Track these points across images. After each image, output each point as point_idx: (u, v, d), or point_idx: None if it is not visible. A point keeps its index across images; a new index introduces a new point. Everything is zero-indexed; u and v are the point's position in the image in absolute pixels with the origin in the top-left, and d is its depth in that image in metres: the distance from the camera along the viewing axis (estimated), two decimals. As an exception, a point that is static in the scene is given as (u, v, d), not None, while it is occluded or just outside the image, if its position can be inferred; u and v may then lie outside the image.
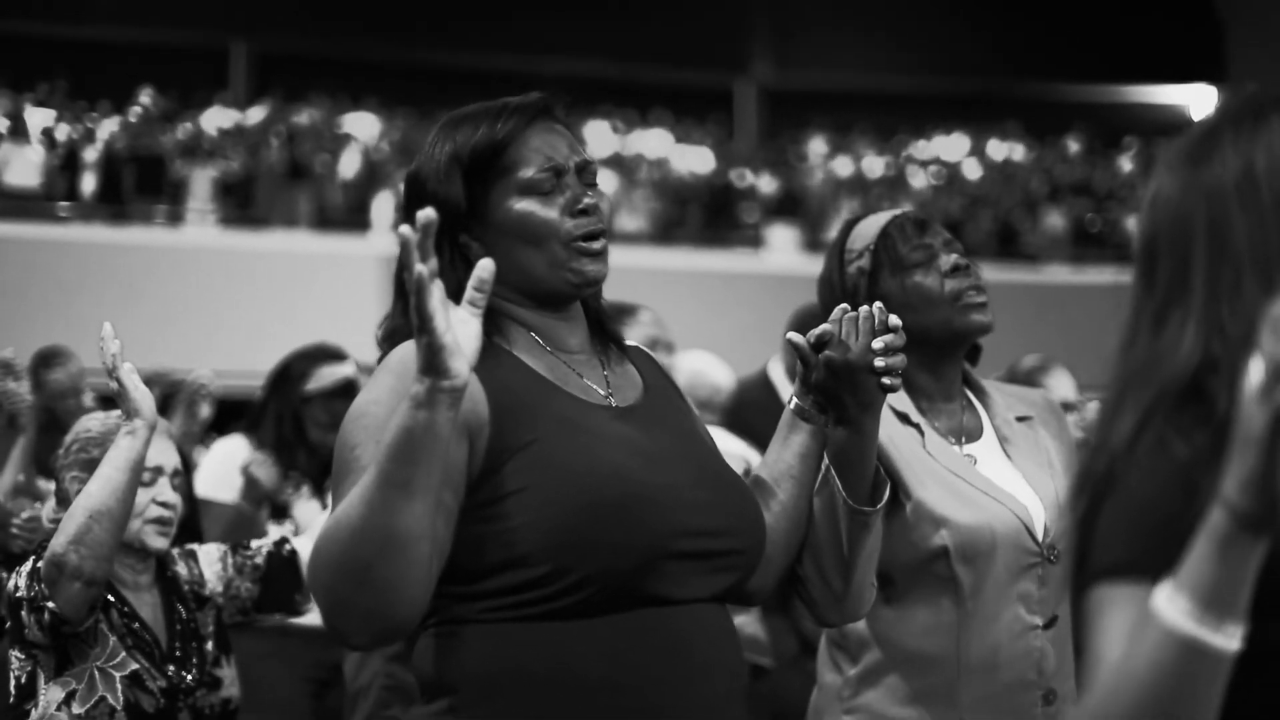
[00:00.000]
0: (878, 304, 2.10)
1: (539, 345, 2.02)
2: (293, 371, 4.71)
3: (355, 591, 1.69)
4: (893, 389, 2.07)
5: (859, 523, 2.10)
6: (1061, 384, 4.91)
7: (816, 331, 2.09)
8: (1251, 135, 1.39)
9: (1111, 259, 18.48)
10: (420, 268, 1.60)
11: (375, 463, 1.67)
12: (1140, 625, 1.20)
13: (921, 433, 2.56)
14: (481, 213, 2.00)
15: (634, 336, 4.03)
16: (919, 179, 19.92)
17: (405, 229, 1.61)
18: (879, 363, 2.05)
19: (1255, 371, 1.11)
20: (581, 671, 1.83)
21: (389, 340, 1.98)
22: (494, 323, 1.98)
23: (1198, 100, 23.37)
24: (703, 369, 5.66)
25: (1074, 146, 21.27)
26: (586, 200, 2.02)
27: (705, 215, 18.65)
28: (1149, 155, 20.89)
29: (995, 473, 2.57)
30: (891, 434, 2.50)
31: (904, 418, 2.56)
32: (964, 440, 2.61)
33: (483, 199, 2.00)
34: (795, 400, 2.15)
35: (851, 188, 18.87)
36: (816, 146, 20.43)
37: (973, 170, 20.48)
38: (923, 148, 21.05)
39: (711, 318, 14.63)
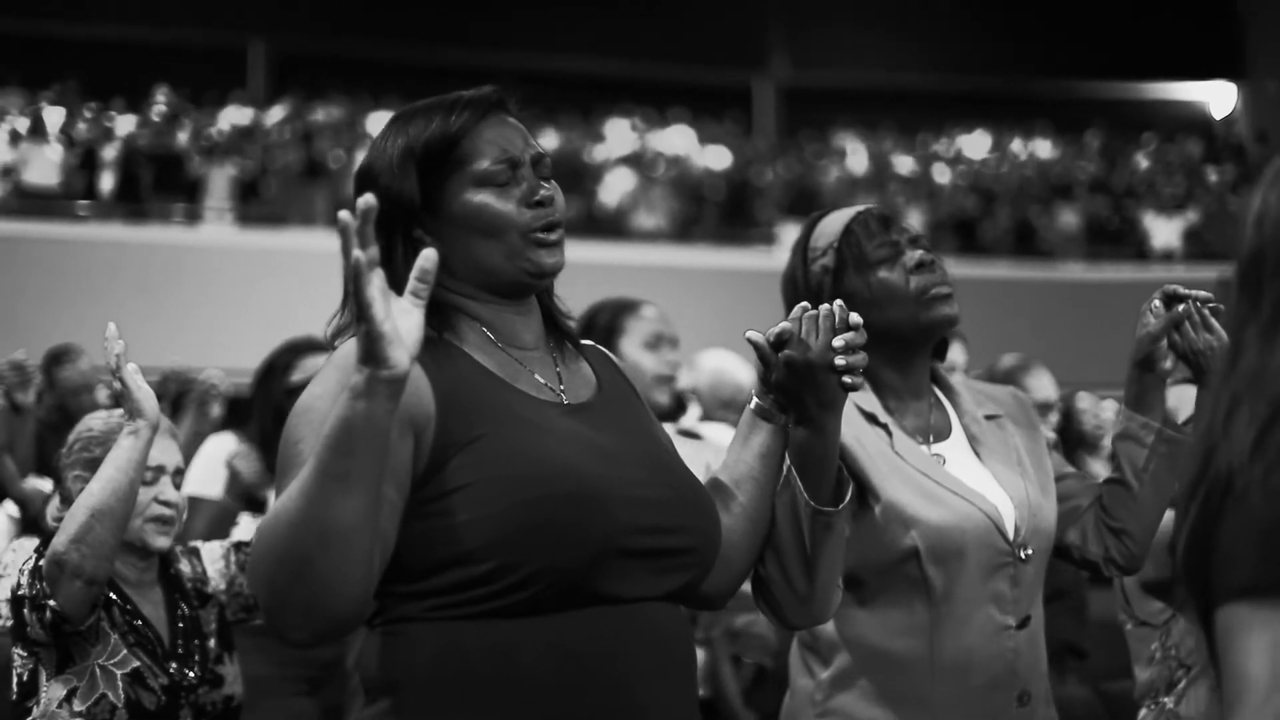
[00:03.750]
0: (838, 302, 2.06)
1: (490, 341, 1.99)
2: (277, 365, 4.66)
3: (293, 585, 1.66)
4: (854, 388, 2.04)
5: (821, 523, 2.07)
6: (1042, 383, 4.89)
7: (776, 330, 2.07)
8: None
9: (1128, 256, 18.43)
10: (358, 254, 1.58)
11: (314, 454, 1.66)
12: None
13: (889, 433, 2.53)
14: (436, 207, 1.98)
15: (638, 332, 4.00)
16: (940, 176, 19.88)
17: (345, 215, 1.58)
18: (839, 361, 2.02)
19: None
20: (527, 670, 1.81)
21: (338, 336, 1.97)
22: (445, 318, 1.96)
23: (1217, 97, 23.29)
24: (725, 368, 5.64)
25: (1094, 143, 21.21)
26: (543, 192, 1.99)
27: (722, 213, 18.64)
28: (1168, 152, 20.83)
29: (964, 472, 2.55)
30: (859, 435, 2.48)
31: (871, 418, 2.54)
32: (932, 439, 2.58)
33: (437, 193, 1.98)
34: (755, 399, 2.12)
35: (867, 185, 18.84)
36: (833, 144, 20.42)
37: (992, 167, 20.44)
38: (941, 145, 21.02)
39: (728, 315, 14.61)
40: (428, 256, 1.66)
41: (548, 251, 1.99)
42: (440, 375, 1.89)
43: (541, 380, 2.00)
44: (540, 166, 2.03)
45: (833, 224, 2.62)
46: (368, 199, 1.59)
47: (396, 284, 1.69)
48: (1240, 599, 1.30)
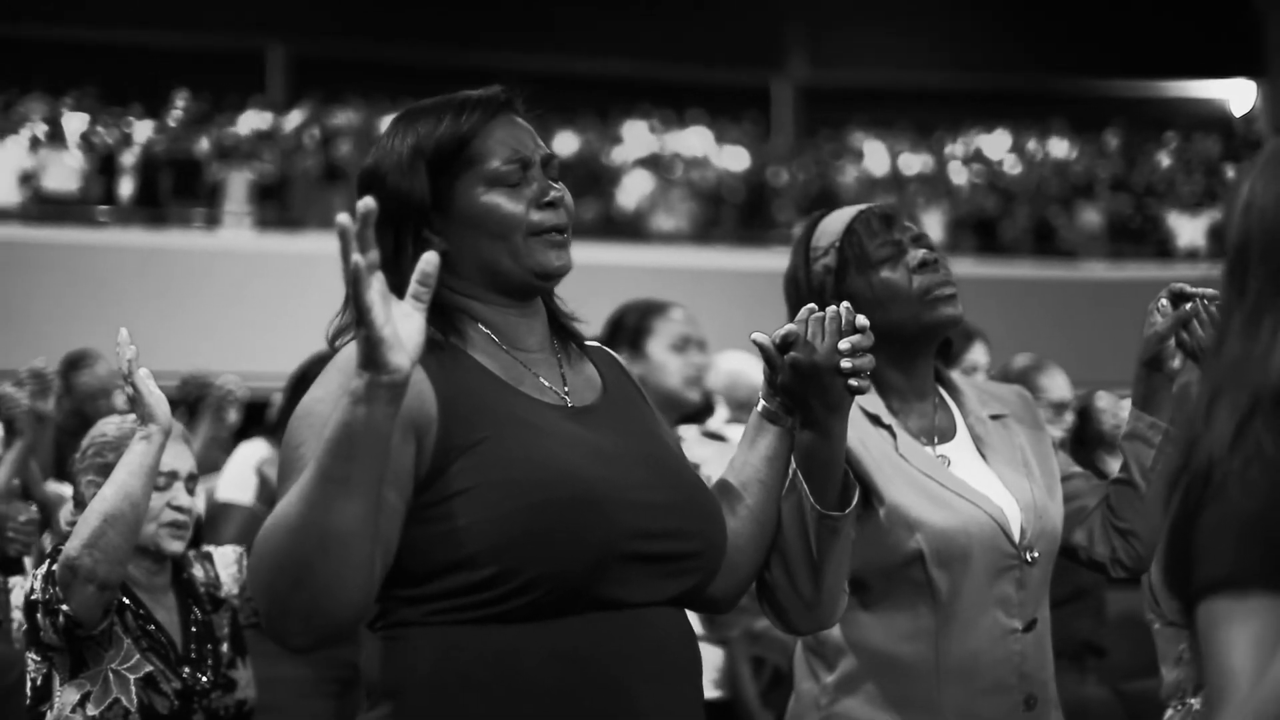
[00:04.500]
0: (845, 304, 2.03)
1: (495, 343, 1.97)
2: (310, 375, 4.69)
3: (293, 591, 1.65)
4: (860, 391, 2.01)
5: (827, 528, 2.05)
6: (1056, 383, 4.84)
7: (782, 331, 2.04)
8: None
9: (1150, 255, 18.36)
10: (358, 259, 1.57)
11: (314, 459, 1.64)
12: (1277, 639, 1.24)
13: (893, 434, 2.50)
14: (445, 206, 1.96)
15: (666, 334, 4.00)
16: (958, 175, 19.85)
17: (344, 218, 1.56)
18: (846, 364, 1.99)
19: None
20: (528, 676, 1.79)
21: (339, 337, 1.96)
22: (449, 320, 1.95)
23: (1236, 95, 23.22)
24: (742, 369, 5.62)
25: (1113, 142, 21.15)
26: (553, 193, 1.98)
27: (741, 214, 18.63)
28: (1188, 150, 20.76)
29: (969, 473, 2.52)
30: (863, 437, 2.45)
31: (875, 419, 2.51)
32: (937, 440, 2.55)
33: (447, 192, 1.96)
34: (762, 402, 2.09)
35: (886, 185, 18.81)
36: (853, 144, 20.40)
37: (1011, 166, 20.39)
38: (962, 144, 20.99)
39: (749, 316, 14.59)
40: (428, 260, 1.64)
41: (556, 254, 1.98)
42: (443, 378, 1.87)
43: (545, 383, 1.98)
44: (549, 167, 2.02)
45: (834, 223, 2.58)
46: (367, 202, 1.58)
47: (404, 284, 1.67)
48: (1220, 592, 1.28)
